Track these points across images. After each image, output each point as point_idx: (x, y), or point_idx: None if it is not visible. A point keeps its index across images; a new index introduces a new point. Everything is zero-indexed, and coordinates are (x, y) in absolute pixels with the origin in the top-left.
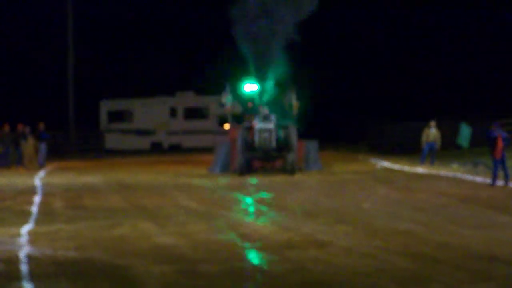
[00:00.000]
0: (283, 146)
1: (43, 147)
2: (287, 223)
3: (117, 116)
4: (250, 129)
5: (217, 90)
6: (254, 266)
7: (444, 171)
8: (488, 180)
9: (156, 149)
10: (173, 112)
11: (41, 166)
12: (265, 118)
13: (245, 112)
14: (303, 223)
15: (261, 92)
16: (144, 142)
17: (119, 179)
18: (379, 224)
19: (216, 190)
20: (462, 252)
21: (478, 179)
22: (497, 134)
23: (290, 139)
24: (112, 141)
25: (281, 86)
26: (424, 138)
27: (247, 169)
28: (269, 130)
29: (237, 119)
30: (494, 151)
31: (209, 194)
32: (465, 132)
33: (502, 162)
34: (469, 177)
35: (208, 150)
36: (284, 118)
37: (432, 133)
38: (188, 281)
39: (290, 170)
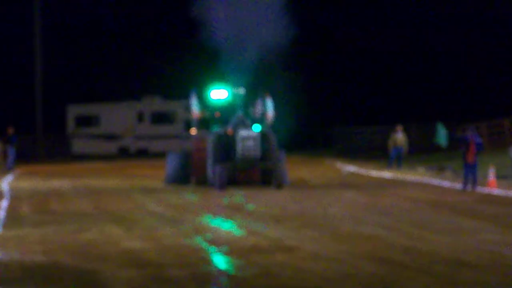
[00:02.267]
0: (265, 156)
1: (12, 151)
2: (254, 228)
3: (84, 121)
4: (224, 136)
5: (185, 94)
6: (220, 270)
7: (410, 176)
8: (455, 185)
9: (123, 153)
10: (140, 117)
11: (9, 170)
12: (244, 124)
13: (213, 121)
14: (270, 228)
15: (232, 98)
16: (111, 147)
17: (86, 184)
18: (346, 228)
19: (182, 195)
20: (429, 257)
21: (445, 183)
22: (470, 138)
23: (271, 147)
24: (79, 145)
25: (251, 92)
26: (391, 143)
27: (226, 182)
28: (254, 138)
29: (205, 125)
30: (467, 154)
31: (176, 199)
32: (441, 131)
33: (473, 166)
34: (435, 181)
35: None
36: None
37: (399, 137)
38: (155, 285)
39: (278, 183)
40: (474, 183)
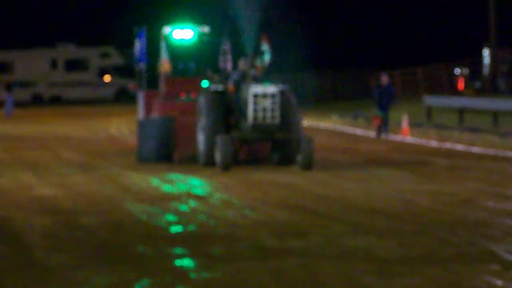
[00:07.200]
0: (286, 123)
1: (10, 98)
2: (168, 177)
3: None
4: (222, 95)
5: (98, 41)
6: (133, 218)
7: (323, 123)
8: (368, 133)
9: (37, 100)
10: (53, 64)
11: (9, 116)
12: (253, 77)
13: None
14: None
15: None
16: (25, 94)
17: None
18: (258, 176)
19: (97, 143)
20: (342, 205)
21: (358, 131)
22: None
23: (292, 111)
24: None
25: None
26: None
27: (233, 159)
28: (272, 97)
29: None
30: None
31: (90, 146)
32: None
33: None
34: (349, 129)
35: (89, 102)
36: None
37: None
38: (68, 232)
39: (306, 161)
40: (387, 131)
